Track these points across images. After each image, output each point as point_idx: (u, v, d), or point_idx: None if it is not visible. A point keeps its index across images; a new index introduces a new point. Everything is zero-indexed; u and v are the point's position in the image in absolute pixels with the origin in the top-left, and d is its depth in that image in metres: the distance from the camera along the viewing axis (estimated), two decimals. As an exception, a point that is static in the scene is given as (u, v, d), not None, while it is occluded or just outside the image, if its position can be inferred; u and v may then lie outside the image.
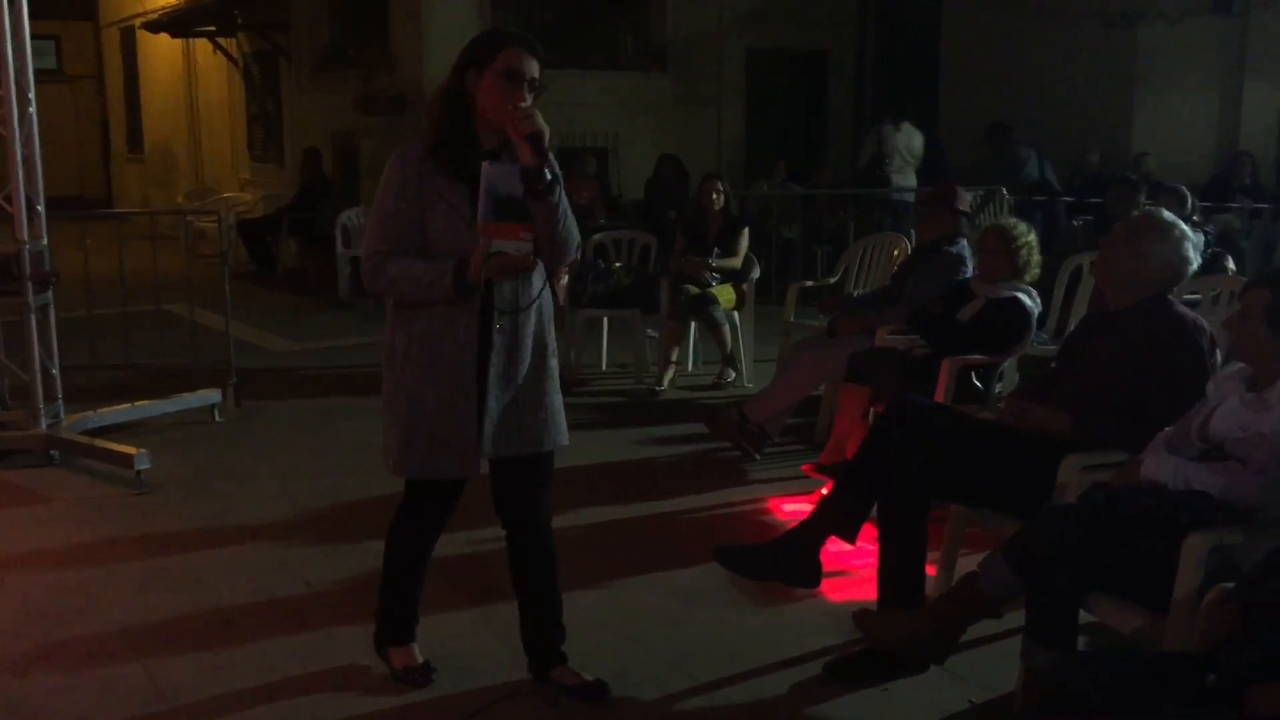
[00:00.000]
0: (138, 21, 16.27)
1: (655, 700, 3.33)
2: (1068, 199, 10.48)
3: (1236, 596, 2.52)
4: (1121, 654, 2.80)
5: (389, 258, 2.97)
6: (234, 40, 14.66)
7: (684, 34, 12.32)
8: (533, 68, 2.95)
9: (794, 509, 4.80)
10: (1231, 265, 6.47)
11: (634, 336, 7.31)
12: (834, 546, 3.72)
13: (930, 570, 3.68)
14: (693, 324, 7.29)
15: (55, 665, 3.53)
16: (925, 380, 4.83)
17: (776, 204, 10.75)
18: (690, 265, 7.10)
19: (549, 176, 2.87)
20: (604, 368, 7.59)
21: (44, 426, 5.63)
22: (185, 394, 6.32)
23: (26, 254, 5.49)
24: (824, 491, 4.49)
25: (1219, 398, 3.12)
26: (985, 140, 11.22)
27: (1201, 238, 5.54)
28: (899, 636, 3.24)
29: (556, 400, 3.19)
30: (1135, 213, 4.97)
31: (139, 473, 5.20)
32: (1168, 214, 3.65)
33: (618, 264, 7.60)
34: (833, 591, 3.98)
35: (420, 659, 3.39)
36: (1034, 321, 5.03)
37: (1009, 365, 5.24)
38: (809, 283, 7.56)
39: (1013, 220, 5.24)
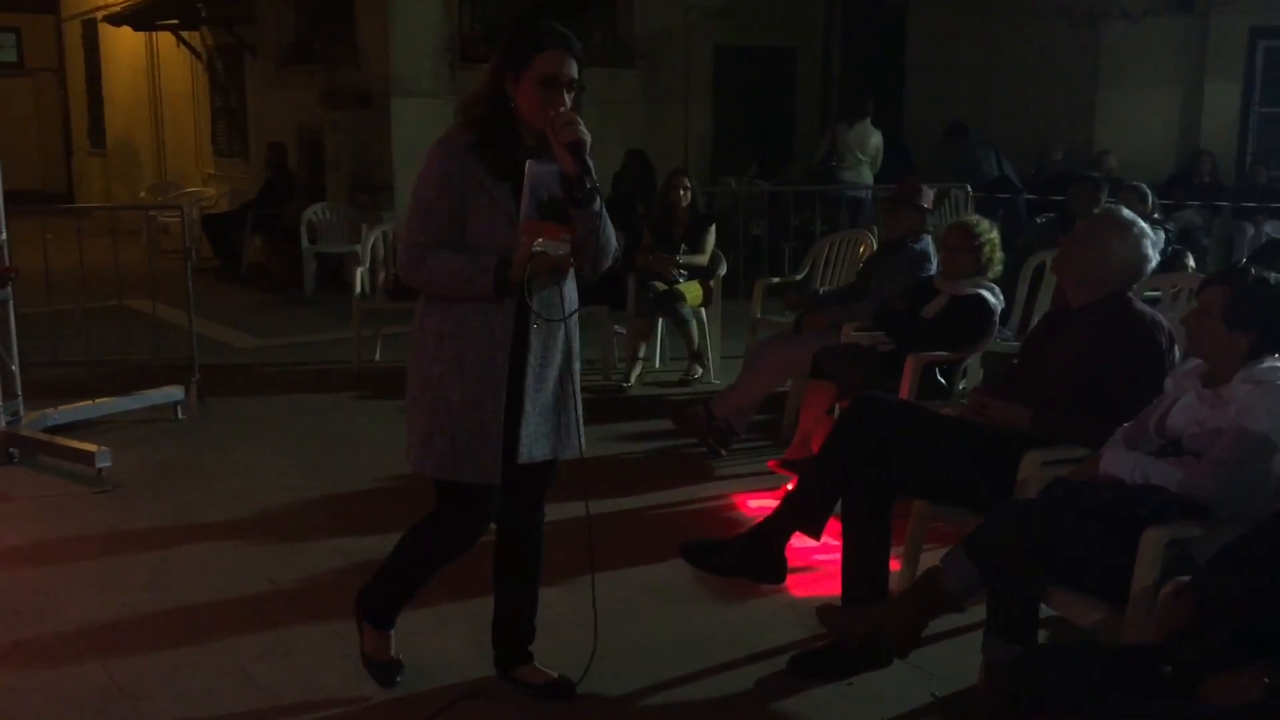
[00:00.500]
0: (100, 14, 16.07)
1: (620, 696, 3.33)
2: (1030, 196, 10.57)
3: (1193, 589, 2.55)
4: (1081, 647, 2.83)
5: (429, 250, 2.90)
6: (197, 34, 14.51)
7: (652, 31, 12.32)
8: (571, 69, 2.88)
9: (759, 505, 4.82)
10: (1191, 263, 6.55)
11: (601, 333, 7.31)
12: (799, 542, 3.74)
13: (894, 565, 3.71)
14: (659, 320, 7.30)
15: (15, 665, 3.50)
16: (890, 376, 4.86)
17: (743, 200, 10.78)
18: (657, 262, 7.10)
19: (589, 185, 2.82)
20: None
21: (3, 424, 5.56)
22: (147, 391, 6.26)
23: (-15, 249, 5.43)
24: (789, 487, 4.50)
25: (1177, 393, 3.17)
26: (944, 139, 11.31)
27: (1162, 235, 5.62)
28: (863, 631, 3.27)
29: (579, 407, 3.15)
30: (1096, 210, 5.02)
31: (100, 470, 5.15)
32: (1127, 212, 3.69)
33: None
34: (797, 587, 4.00)
35: (393, 653, 3.35)
36: (997, 318, 5.08)
37: (972, 361, 5.28)
38: (775, 279, 7.58)
39: (975, 217, 5.29)
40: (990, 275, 5.05)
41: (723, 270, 7.37)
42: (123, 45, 16.23)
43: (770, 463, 5.28)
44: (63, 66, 19.61)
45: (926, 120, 11.90)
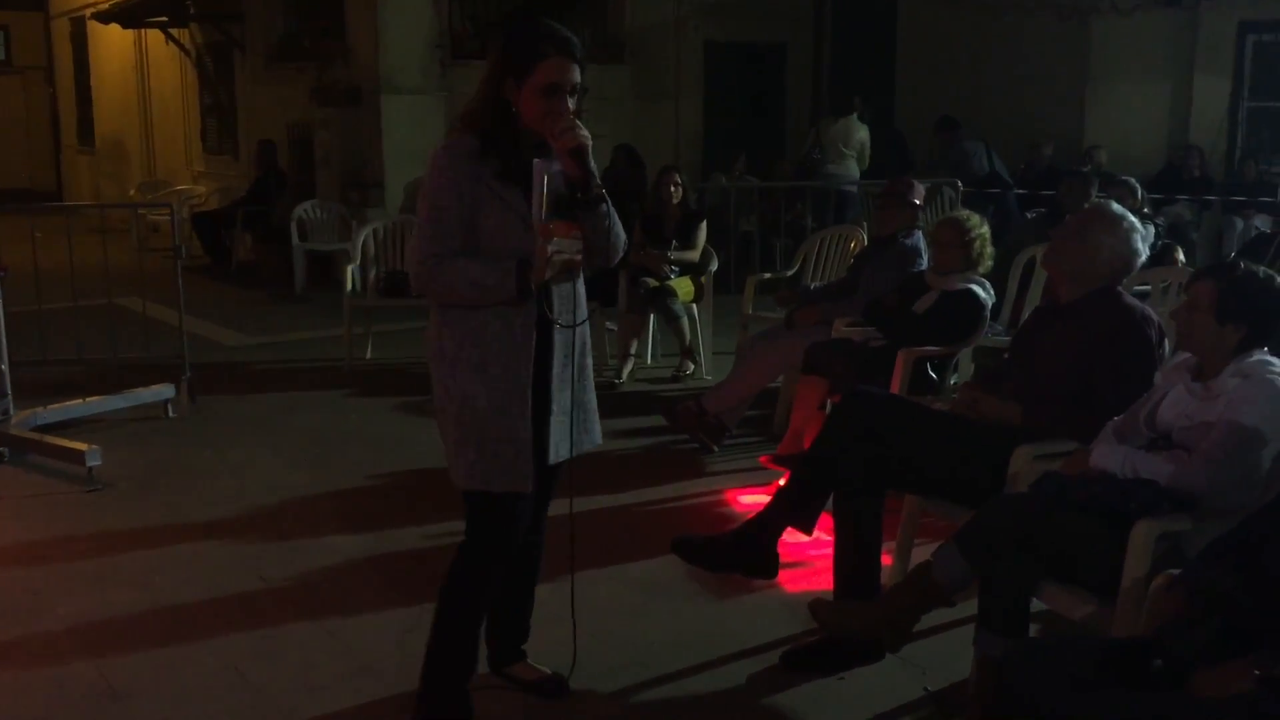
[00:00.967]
0: (88, 12, 16.02)
1: (613, 692, 3.34)
2: (1021, 191, 10.59)
3: (1183, 582, 2.56)
4: (1072, 640, 2.84)
5: (444, 260, 2.80)
6: (186, 31, 14.46)
7: (642, 27, 12.32)
8: (574, 74, 2.82)
9: (751, 500, 4.83)
10: (1181, 257, 6.57)
11: (593, 329, 7.30)
12: (791, 537, 3.74)
13: (885, 560, 3.72)
14: (651, 317, 7.31)
15: (6, 664, 3.49)
16: (881, 371, 4.87)
17: (734, 196, 10.78)
18: (648, 258, 7.10)
19: (595, 187, 2.79)
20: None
21: (-7, 423, 5.55)
22: (138, 389, 6.25)
23: (-27, 248, 5.40)
24: (781, 483, 4.50)
25: (1166, 387, 3.17)
26: (933, 134, 11.31)
27: (1151, 230, 5.63)
28: (855, 626, 3.27)
29: (595, 399, 3.16)
30: (1086, 205, 5.03)
31: (90, 469, 5.14)
32: (1117, 206, 3.70)
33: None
34: (790, 582, 4.00)
35: None
36: (987, 313, 5.09)
37: (963, 356, 5.29)
38: (767, 275, 7.59)
39: (966, 213, 5.30)
40: (981, 270, 5.06)
41: (714, 266, 7.37)
42: (111, 43, 16.17)
43: (762, 458, 5.29)
44: (51, 64, 19.55)
45: (917, 115, 11.91)
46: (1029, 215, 9.01)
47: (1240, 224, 10.39)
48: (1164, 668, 2.33)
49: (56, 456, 5.33)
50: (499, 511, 2.94)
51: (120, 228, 11.92)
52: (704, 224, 7.34)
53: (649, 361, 7.48)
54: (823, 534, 3.78)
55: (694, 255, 7.22)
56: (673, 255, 7.11)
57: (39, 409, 5.80)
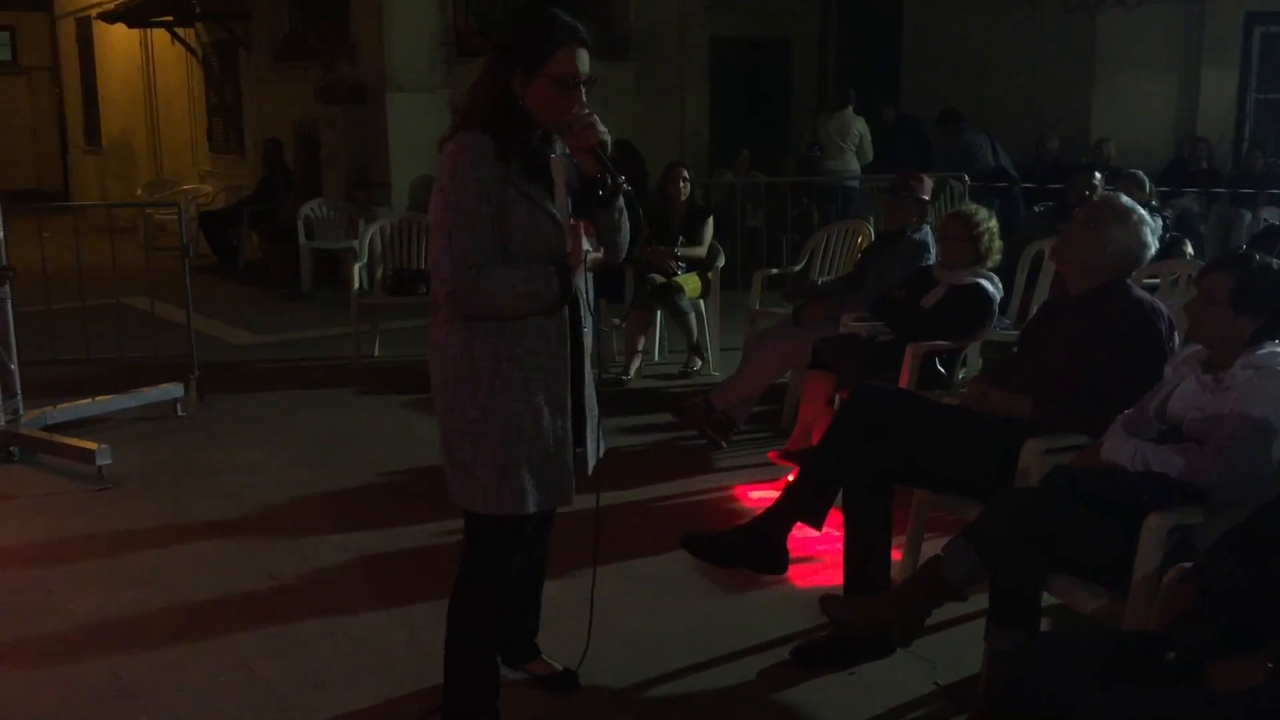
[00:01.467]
0: (94, 12, 16.03)
1: (624, 688, 3.34)
2: (1028, 185, 10.56)
3: (1195, 575, 2.55)
4: (1083, 634, 2.83)
5: (483, 271, 2.62)
6: (192, 30, 14.48)
7: (647, 23, 12.30)
8: (586, 63, 2.69)
9: (760, 496, 4.82)
10: (1189, 249, 6.55)
11: (600, 326, 7.29)
12: (800, 533, 3.75)
13: (895, 555, 3.71)
14: (658, 313, 7.30)
15: (17, 663, 3.49)
16: (889, 366, 4.86)
17: (740, 192, 10.77)
18: (655, 254, 7.10)
19: (612, 182, 2.72)
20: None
21: (2, 423, 5.55)
22: (147, 388, 6.26)
23: (-18, 248, 5.42)
24: (790, 478, 4.50)
25: (1176, 380, 3.16)
26: (937, 126, 11.28)
27: (1159, 222, 5.61)
28: (865, 621, 3.27)
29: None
30: (1095, 198, 5.02)
31: (100, 468, 5.15)
32: (1126, 199, 3.69)
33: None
34: (799, 577, 4.00)
35: None
36: (996, 307, 5.07)
37: (971, 350, 5.28)
38: (774, 270, 7.59)
39: (974, 206, 5.28)
40: (989, 264, 5.04)
41: (721, 262, 7.36)
42: (117, 42, 16.19)
43: (771, 454, 5.28)
44: (57, 64, 19.57)
45: (923, 109, 11.87)
46: (1036, 209, 8.98)
47: (1248, 215, 10.36)
48: (1177, 661, 2.32)
49: (67, 456, 5.34)
50: (512, 532, 2.84)
51: (128, 227, 11.93)
52: (711, 220, 7.33)
53: (656, 358, 7.47)
54: (832, 529, 3.78)
55: (701, 251, 7.21)
56: (680, 251, 7.10)
57: (49, 408, 5.81)
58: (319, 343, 8.20)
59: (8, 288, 5.62)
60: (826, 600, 3.36)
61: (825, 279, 6.83)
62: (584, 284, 2.84)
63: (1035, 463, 3.33)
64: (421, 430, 5.86)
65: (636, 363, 7.11)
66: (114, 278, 7.11)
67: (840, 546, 3.64)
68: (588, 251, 2.75)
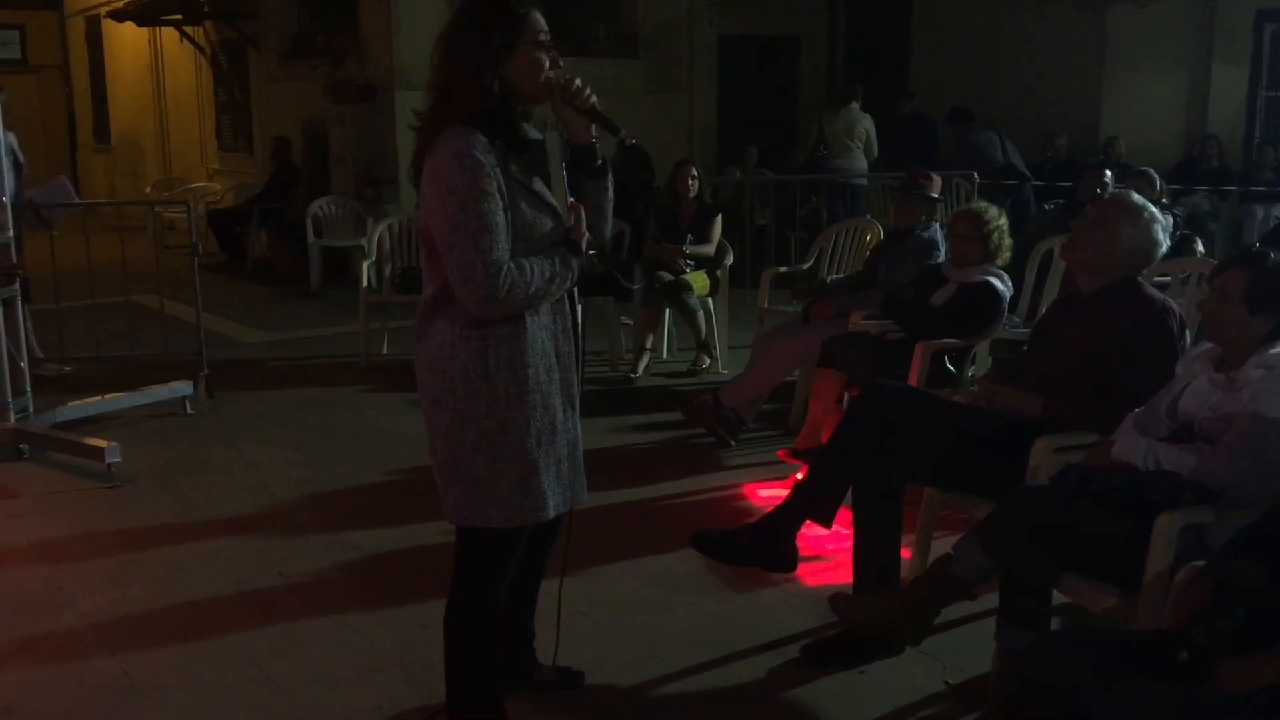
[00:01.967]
0: (103, 10, 16.07)
1: (632, 686, 3.33)
2: (1037, 183, 10.53)
3: (1208, 575, 2.54)
4: (1094, 633, 2.82)
5: (514, 270, 2.53)
6: (201, 29, 14.51)
7: (656, 21, 12.29)
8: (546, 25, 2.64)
9: (769, 494, 4.82)
10: (1200, 247, 6.53)
11: (608, 324, 7.30)
12: (810, 531, 3.74)
13: (905, 553, 3.70)
14: (667, 311, 7.30)
15: (28, 660, 3.50)
16: (899, 364, 4.85)
17: (749, 190, 10.76)
18: (664, 252, 7.09)
19: (618, 139, 2.70)
20: (583, 352, 7.55)
21: (13, 421, 5.57)
22: (156, 386, 6.28)
23: (-8, 246, 5.44)
24: (799, 477, 4.49)
25: (1188, 378, 3.15)
26: (946, 125, 11.26)
27: (1170, 220, 5.58)
28: (875, 619, 3.26)
29: None
30: (1106, 195, 5.00)
31: (110, 466, 5.16)
32: (1138, 197, 3.67)
33: (591, 251, 7.57)
34: (808, 576, 3.99)
35: None
36: (1006, 305, 5.06)
37: (981, 349, 5.27)
38: (782, 268, 7.57)
39: (984, 204, 5.27)
40: (999, 262, 5.03)
41: (729, 260, 7.36)
42: (126, 41, 16.23)
43: (780, 452, 5.27)
44: (67, 63, 19.63)
45: (932, 107, 11.85)
46: (1046, 207, 8.96)
47: (1260, 213, 10.32)
48: (1189, 660, 2.31)
49: (77, 453, 5.36)
50: (517, 539, 2.77)
51: (137, 226, 11.97)
52: (719, 218, 7.33)
53: (665, 356, 7.47)
54: (841, 528, 3.77)
55: (709, 249, 7.20)
56: (688, 249, 7.10)
57: (59, 406, 5.83)
58: (328, 341, 8.21)
59: (17, 286, 5.64)
60: (836, 599, 3.35)
61: (834, 277, 6.81)
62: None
63: (1046, 461, 3.32)
64: (430, 428, 5.85)
65: (645, 361, 7.11)
66: (124, 276, 7.12)
67: (849, 545, 3.63)
68: (585, 235, 2.74)
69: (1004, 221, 5.04)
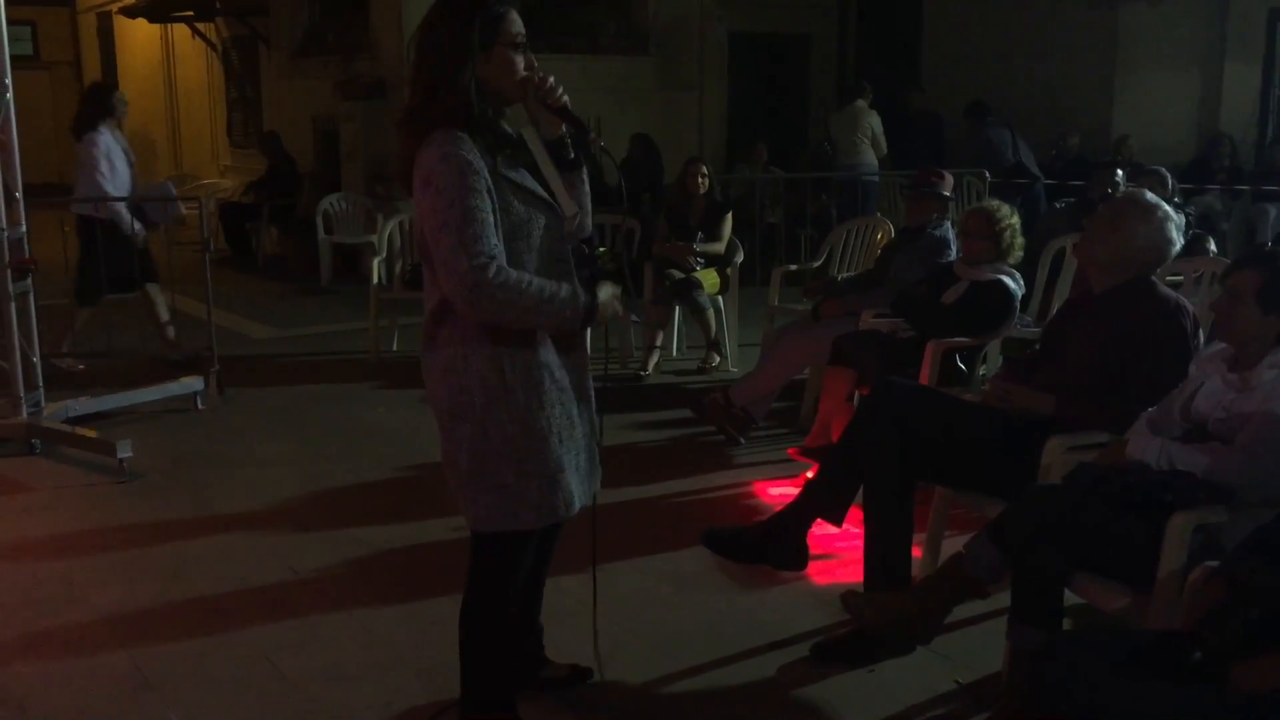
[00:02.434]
0: (115, 7, 16.13)
1: (642, 684, 3.33)
2: (1049, 182, 10.50)
3: (1222, 574, 2.53)
4: (1107, 633, 2.81)
5: (500, 266, 2.48)
6: (212, 25, 14.55)
7: (666, 18, 12.29)
8: (522, 24, 2.64)
9: (780, 492, 4.81)
10: (1212, 247, 6.50)
11: (618, 321, 7.29)
12: (820, 529, 3.74)
13: (916, 552, 3.70)
14: (677, 309, 7.29)
15: (40, 654, 3.51)
16: (909, 363, 4.84)
17: (759, 188, 10.75)
18: (674, 250, 7.09)
19: (575, 151, 2.71)
20: (588, 353, 7.56)
21: (24, 415, 5.59)
22: (167, 382, 6.29)
23: (5, 241, 5.45)
24: (809, 475, 4.49)
25: (1202, 378, 3.14)
26: (964, 118, 11.22)
27: (1183, 219, 5.57)
28: (886, 618, 3.25)
29: None
30: (1119, 194, 4.98)
31: (122, 461, 5.18)
32: (1151, 195, 3.66)
33: (602, 249, 7.58)
34: (819, 574, 3.99)
35: None
36: (1017, 304, 5.04)
37: (992, 347, 5.26)
38: (793, 266, 7.57)
39: (996, 203, 5.25)
40: (1011, 260, 5.01)
41: (739, 258, 7.35)
42: (138, 37, 16.28)
43: (790, 450, 5.27)
44: (79, 59, 19.69)
45: (943, 105, 11.83)
46: (1058, 205, 8.92)
47: (1273, 212, 10.27)
48: (1202, 661, 2.30)
49: (88, 449, 5.38)
50: (528, 540, 2.76)
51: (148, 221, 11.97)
52: (730, 215, 7.32)
53: (675, 354, 7.47)
54: (852, 526, 3.77)
55: (720, 247, 7.19)
56: (698, 247, 7.09)
57: (70, 401, 5.85)
58: (338, 337, 8.23)
59: (30, 280, 5.66)
60: (848, 596, 3.35)
61: (845, 275, 6.80)
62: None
63: (1058, 460, 3.31)
64: (440, 425, 5.86)
65: (655, 358, 7.10)
66: (135, 271, 7.13)
67: (860, 543, 3.63)
68: (577, 214, 2.74)
69: (1016, 220, 5.02)
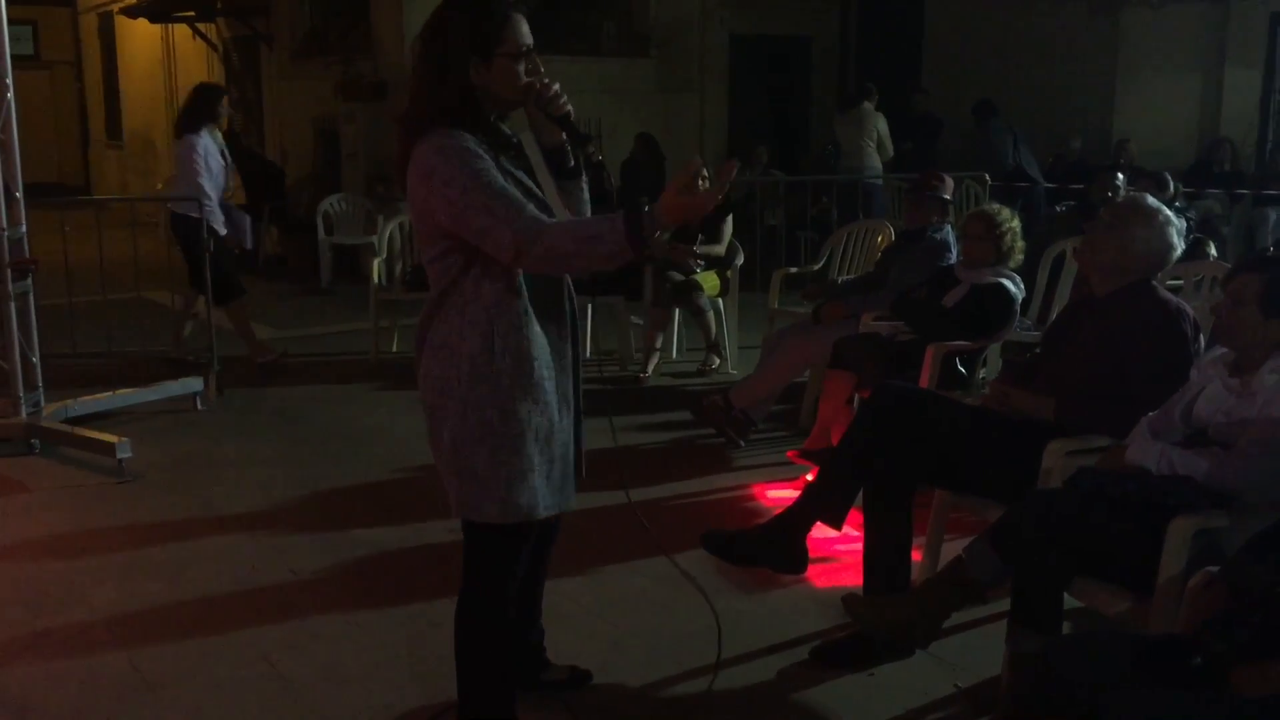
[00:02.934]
0: (116, 7, 16.13)
1: (641, 687, 3.33)
2: (1049, 185, 10.50)
3: (1223, 579, 2.53)
4: (1107, 637, 2.81)
5: (539, 218, 2.48)
6: (213, 25, 14.55)
7: (667, 20, 12.30)
8: (528, 29, 2.60)
9: (779, 495, 4.81)
10: (1213, 251, 6.51)
11: (618, 324, 7.30)
12: (820, 532, 3.73)
13: (916, 555, 3.69)
14: (677, 311, 7.29)
15: (39, 655, 3.51)
16: (909, 366, 4.84)
17: (760, 190, 10.76)
18: (674, 252, 7.08)
19: (575, 159, 2.70)
20: (588, 355, 7.57)
21: (24, 415, 5.59)
22: (167, 382, 6.30)
23: (5, 241, 5.45)
24: (809, 478, 4.49)
25: (1202, 382, 3.13)
26: (971, 114, 11.21)
27: (1184, 223, 5.57)
28: (885, 621, 3.25)
29: None
30: (1120, 198, 4.98)
31: (121, 461, 5.18)
32: (1152, 199, 3.66)
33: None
34: (819, 577, 3.99)
35: None
36: (1018, 307, 5.04)
37: (993, 351, 5.26)
38: (793, 269, 7.57)
39: (996, 206, 5.26)
40: (1011, 264, 5.01)
41: (740, 260, 7.35)
42: (139, 37, 16.28)
43: (790, 453, 5.26)
44: (79, 59, 19.70)
45: (944, 108, 11.83)
46: (1059, 209, 8.94)
47: (1273, 217, 10.27)
48: (1203, 665, 2.30)
49: (87, 449, 5.37)
50: (523, 537, 2.75)
51: (149, 221, 11.98)
52: (730, 218, 7.32)
53: (674, 356, 7.47)
54: (851, 529, 3.77)
55: (720, 249, 7.19)
56: (699, 249, 7.09)
57: (70, 401, 5.85)
58: (338, 338, 8.23)
59: (30, 280, 5.66)
60: (849, 599, 3.34)
61: (845, 278, 6.80)
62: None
63: (1059, 464, 3.31)
64: (440, 426, 5.85)
65: (654, 361, 7.10)
66: (135, 271, 7.14)
67: (860, 546, 3.63)
68: None
69: (1017, 223, 5.02)
